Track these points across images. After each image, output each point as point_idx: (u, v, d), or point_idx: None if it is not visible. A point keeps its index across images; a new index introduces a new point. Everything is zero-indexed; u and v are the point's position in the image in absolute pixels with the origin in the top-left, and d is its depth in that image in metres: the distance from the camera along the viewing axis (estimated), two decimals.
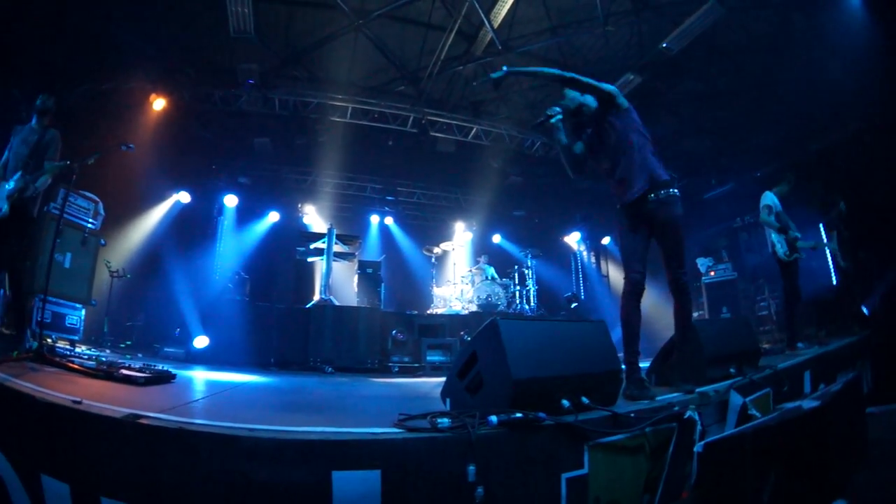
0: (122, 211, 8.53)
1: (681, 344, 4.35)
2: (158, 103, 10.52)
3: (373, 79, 11.65)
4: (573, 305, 14.01)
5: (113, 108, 10.17)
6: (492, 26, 9.62)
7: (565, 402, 2.94)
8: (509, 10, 9.23)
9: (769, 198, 7.61)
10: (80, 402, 2.64)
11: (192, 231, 12.15)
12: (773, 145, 12.46)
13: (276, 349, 9.65)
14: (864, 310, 8.84)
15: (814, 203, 9.62)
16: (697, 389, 3.94)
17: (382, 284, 12.23)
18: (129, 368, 4.27)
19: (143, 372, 4.22)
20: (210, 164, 13.18)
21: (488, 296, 12.42)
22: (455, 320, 11.16)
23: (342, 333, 9.86)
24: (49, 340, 6.16)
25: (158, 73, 10.35)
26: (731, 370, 4.48)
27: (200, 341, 9.16)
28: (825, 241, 8.84)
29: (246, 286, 11.17)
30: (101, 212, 7.60)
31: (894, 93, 9.00)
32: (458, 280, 13.53)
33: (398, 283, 14.86)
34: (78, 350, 6.90)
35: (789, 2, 9.22)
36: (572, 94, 4.44)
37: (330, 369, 9.14)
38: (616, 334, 10.13)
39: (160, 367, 4.44)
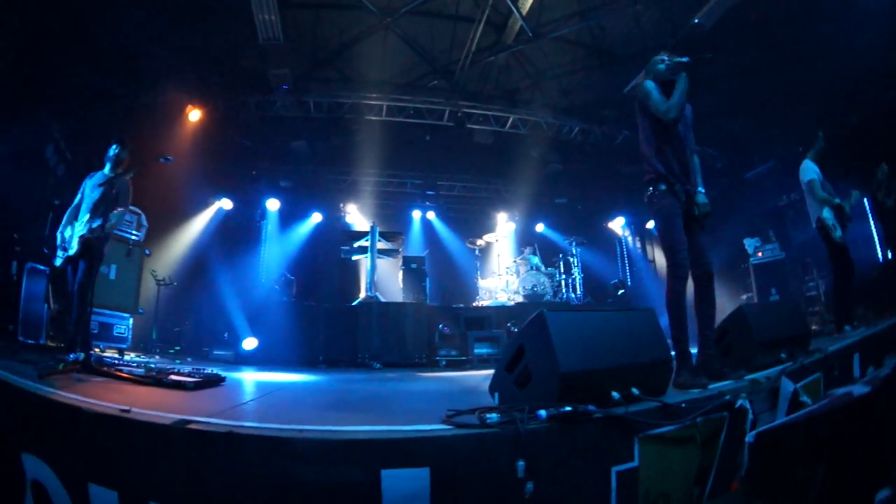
0: (166, 221, 8.78)
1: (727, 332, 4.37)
2: (194, 115, 10.79)
3: (405, 75, 11.74)
4: (620, 292, 13.88)
5: (150, 122, 10.39)
6: (520, 13, 9.57)
7: (615, 394, 2.95)
8: None
9: (811, 169, 7.10)
10: (128, 411, 2.71)
11: (235, 236, 12.38)
12: (812, 119, 12.12)
13: (324, 347, 9.86)
14: None
15: (852, 176, 9.34)
16: (748, 377, 3.89)
17: (427, 279, 12.33)
18: (178, 374, 4.41)
19: (192, 376, 4.34)
20: (250, 170, 13.38)
21: (534, 286, 12.41)
22: (501, 312, 11.19)
23: (389, 329, 10.05)
24: (98, 349, 6.51)
25: (191, 85, 10.56)
26: (783, 355, 4.43)
27: (249, 343, 9.42)
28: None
29: (292, 287, 11.37)
30: (145, 223, 7.86)
31: None
32: (502, 271, 13.52)
33: (443, 276, 14.86)
34: (127, 358, 7.15)
35: None
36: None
37: (378, 365, 9.32)
38: (663, 321, 10.05)
39: (209, 371, 4.56)
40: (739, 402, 3.28)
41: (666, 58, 4.45)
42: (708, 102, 12.36)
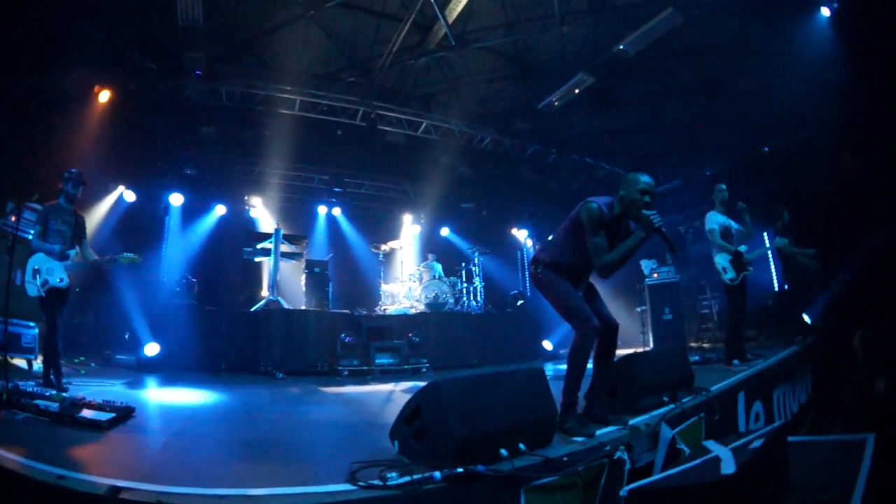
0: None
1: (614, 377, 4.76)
2: (104, 95, 10.42)
3: (323, 66, 11.70)
4: (519, 303, 14.49)
5: (58, 100, 10.01)
6: (446, 21, 9.71)
7: (503, 451, 3.28)
8: (467, 3, 9.33)
9: (712, 220, 7.79)
10: (64, 478, 2.83)
11: (137, 232, 11.97)
12: (723, 144, 13.05)
13: (226, 354, 9.97)
14: (806, 317, 9.42)
15: (758, 210, 10.19)
16: (630, 422, 4.32)
17: (330, 283, 12.50)
18: (90, 405, 4.48)
19: (104, 409, 4.44)
20: (155, 158, 13.02)
21: (436, 294, 12.80)
22: (403, 321, 11.52)
23: (291, 337, 10.26)
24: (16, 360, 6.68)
25: (105, 63, 10.19)
26: (665, 398, 4.86)
27: (151, 349, 9.41)
28: (768, 245, 9.17)
29: (194, 289, 11.22)
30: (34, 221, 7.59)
31: (845, 105, 9.55)
32: (405, 278, 13.85)
33: (346, 279, 14.99)
34: (36, 367, 7.20)
35: (749, 12, 9.68)
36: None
37: (281, 375, 9.45)
38: (555, 337, 10.44)
39: (118, 403, 4.61)
40: (618, 454, 3.66)
41: (639, 198, 4.25)
42: (621, 119, 13.18)
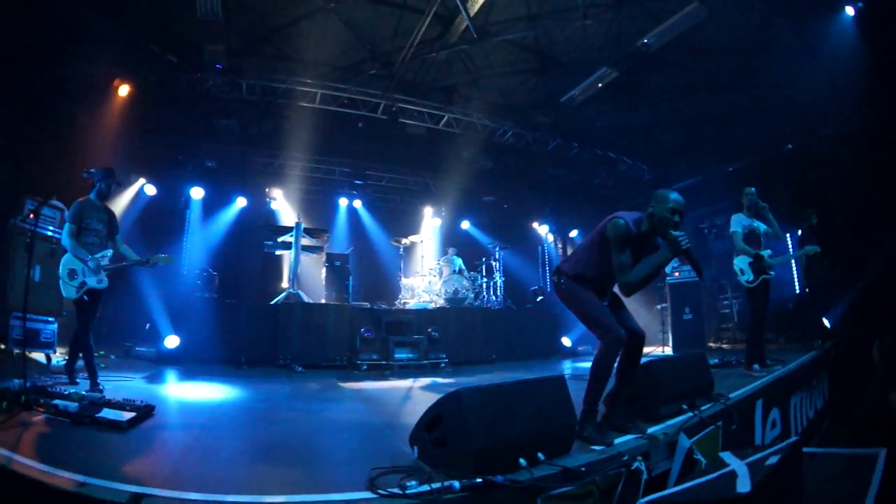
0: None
1: (634, 385, 4.80)
2: (123, 89, 10.53)
3: (343, 58, 11.74)
4: (539, 299, 14.55)
5: (78, 92, 10.18)
6: (468, 14, 9.70)
7: (522, 461, 3.36)
8: None
9: (737, 221, 7.77)
10: (85, 485, 2.91)
11: (158, 225, 12.22)
12: (746, 141, 12.97)
13: (246, 347, 10.05)
14: (826, 321, 9.41)
15: (783, 210, 10.13)
16: (648, 431, 4.37)
17: (350, 277, 12.62)
18: (110, 405, 4.56)
19: (125, 408, 4.51)
20: (176, 151, 13.21)
21: (456, 289, 12.89)
22: (422, 316, 11.56)
23: (311, 331, 10.34)
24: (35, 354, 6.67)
25: (124, 55, 10.31)
26: (684, 406, 4.92)
27: (171, 341, 9.57)
28: (792, 252, 9.12)
29: (214, 282, 11.41)
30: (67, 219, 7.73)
31: (870, 105, 9.49)
32: (426, 272, 13.94)
33: (366, 272, 15.19)
34: (55, 361, 7.32)
35: (774, 7, 9.61)
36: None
37: (300, 368, 9.60)
38: (574, 334, 10.44)
39: (138, 402, 4.72)
40: (635, 464, 3.71)
41: (669, 217, 4.18)
42: (644, 115, 13.12)
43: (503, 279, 14.18)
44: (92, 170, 6.16)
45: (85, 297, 6.01)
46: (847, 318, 9.28)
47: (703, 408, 4.97)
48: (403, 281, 13.93)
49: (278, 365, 9.87)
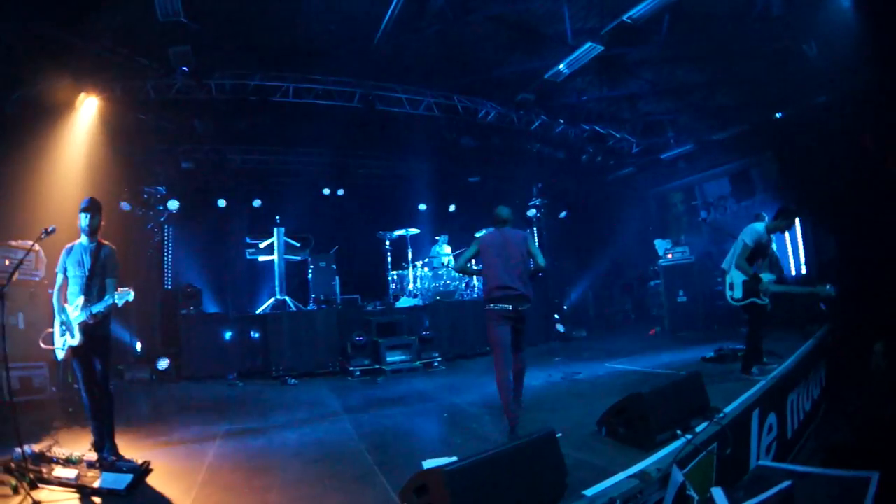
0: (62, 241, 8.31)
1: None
2: (90, 101, 10.30)
3: (316, 44, 11.34)
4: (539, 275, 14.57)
5: (45, 111, 9.94)
6: None
7: None
8: None
9: (752, 233, 7.33)
10: None
11: (134, 242, 12.14)
12: (734, 109, 12.94)
13: (237, 360, 10.40)
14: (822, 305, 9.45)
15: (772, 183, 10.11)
16: (640, 467, 4.50)
17: (337, 277, 12.66)
18: (107, 465, 4.81)
19: (121, 470, 4.71)
20: (150, 161, 13.07)
21: (445, 282, 13.04)
22: (413, 314, 11.78)
23: (301, 339, 10.55)
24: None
25: (90, 70, 10.10)
26: (678, 431, 5.02)
27: (163, 363, 9.96)
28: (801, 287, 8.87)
29: (199, 297, 11.46)
30: (43, 258, 7.54)
31: (862, 75, 9.45)
32: (414, 264, 14.02)
33: (353, 268, 15.02)
34: None
35: None
36: None
37: (293, 381, 9.83)
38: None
39: (133, 464, 4.90)
40: None
41: None
42: (631, 86, 13.04)
43: None
44: (49, 228, 5.56)
45: (65, 356, 5.60)
46: (844, 302, 9.26)
47: (699, 429, 5.09)
48: (392, 274, 14.10)
49: (271, 377, 10.09)
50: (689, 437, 4.86)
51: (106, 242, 5.74)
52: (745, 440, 5.66)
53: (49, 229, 5.51)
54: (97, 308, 5.33)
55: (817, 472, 4.92)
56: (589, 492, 4.15)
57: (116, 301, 5.31)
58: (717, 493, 4.27)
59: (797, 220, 10.70)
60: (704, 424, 5.21)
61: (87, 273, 5.51)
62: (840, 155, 10.17)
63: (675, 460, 4.45)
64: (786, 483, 4.23)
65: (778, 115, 12.15)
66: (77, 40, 9.47)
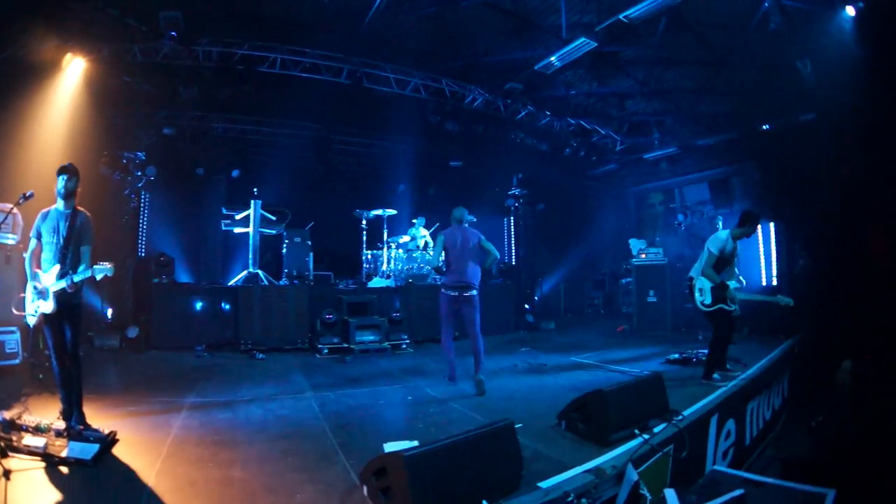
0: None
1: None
2: (76, 63, 10.03)
3: (307, 17, 11.20)
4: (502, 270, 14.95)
5: (30, 71, 9.66)
6: None
7: None
8: None
9: (717, 241, 7.47)
10: None
11: (110, 207, 11.99)
12: (721, 116, 13.07)
13: (207, 331, 10.43)
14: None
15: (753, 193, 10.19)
16: (596, 463, 4.63)
17: (311, 253, 12.68)
18: (72, 434, 4.80)
19: (88, 440, 4.76)
20: (132, 125, 12.87)
21: (420, 265, 13.15)
22: (384, 295, 11.85)
23: (271, 314, 10.61)
24: None
25: (76, 28, 9.86)
26: (636, 430, 5.15)
27: (132, 331, 9.99)
28: (762, 296, 8.94)
29: (172, 266, 11.39)
30: (20, 221, 7.37)
31: (853, 97, 9.54)
32: (389, 245, 14.05)
33: (328, 245, 15.22)
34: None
35: None
36: None
37: (261, 356, 9.90)
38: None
39: (102, 434, 4.96)
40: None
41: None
42: (620, 84, 13.09)
43: None
44: (28, 193, 5.53)
45: (36, 322, 5.54)
46: (814, 315, 9.40)
47: (656, 430, 5.25)
48: (367, 253, 14.15)
49: (239, 350, 10.15)
50: (646, 436, 5.02)
51: (82, 209, 5.60)
52: (702, 444, 5.83)
53: (27, 194, 5.47)
54: (77, 277, 5.27)
55: (772, 483, 5.00)
56: (544, 484, 4.24)
57: (95, 275, 5.22)
58: (670, 494, 4.37)
59: (772, 231, 10.93)
60: (662, 426, 5.37)
61: (62, 241, 5.42)
62: (822, 173, 10.30)
63: (631, 458, 4.59)
64: (738, 491, 4.33)
65: (765, 127, 12.28)
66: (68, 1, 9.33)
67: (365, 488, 3.93)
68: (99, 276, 5.25)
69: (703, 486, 4.85)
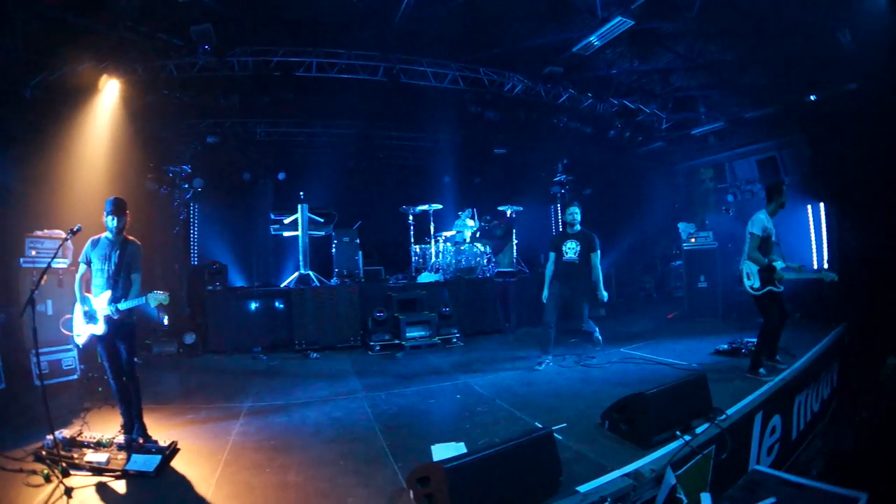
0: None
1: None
2: (112, 84, 10.47)
3: (338, 16, 11.23)
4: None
5: (68, 96, 10.13)
6: None
7: None
8: None
9: (758, 223, 7.46)
10: None
11: (163, 221, 12.57)
12: (767, 88, 12.83)
13: (262, 334, 11.05)
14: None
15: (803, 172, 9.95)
16: (635, 466, 4.82)
17: (360, 252, 13.07)
18: (136, 447, 5.21)
19: (150, 451, 5.14)
20: (175, 140, 13.43)
21: (468, 258, 13.36)
22: (433, 291, 12.13)
23: (324, 314, 11.10)
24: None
25: (109, 50, 10.31)
26: (678, 432, 5.30)
27: (189, 337, 10.61)
28: (809, 270, 8.78)
29: (225, 273, 12.00)
30: (70, 245, 7.64)
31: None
32: (438, 238, 14.39)
33: (376, 241, 15.65)
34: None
35: None
36: None
37: (315, 355, 10.41)
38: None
39: (163, 444, 5.34)
40: None
41: None
42: (662, 59, 12.95)
43: (517, 241, 14.52)
44: (76, 228, 5.90)
45: (85, 342, 6.01)
46: (865, 296, 9.24)
47: (699, 430, 5.37)
48: (415, 247, 14.52)
49: (294, 350, 10.71)
50: (687, 437, 5.14)
51: (132, 238, 6.04)
52: (745, 442, 5.89)
53: (75, 229, 5.89)
54: (125, 305, 5.69)
55: (809, 484, 5.07)
56: (582, 488, 4.45)
57: (150, 302, 5.63)
58: (706, 498, 4.53)
59: (822, 213, 10.74)
60: (705, 426, 5.47)
61: (113, 268, 5.83)
62: (872, 145, 10.04)
63: (671, 461, 4.72)
64: (770, 500, 4.46)
65: (812, 98, 12.02)
66: (97, 25, 9.63)
67: (411, 493, 4.24)
68: (153, 304, 5.65)
69: (742, 487, 4.99)
